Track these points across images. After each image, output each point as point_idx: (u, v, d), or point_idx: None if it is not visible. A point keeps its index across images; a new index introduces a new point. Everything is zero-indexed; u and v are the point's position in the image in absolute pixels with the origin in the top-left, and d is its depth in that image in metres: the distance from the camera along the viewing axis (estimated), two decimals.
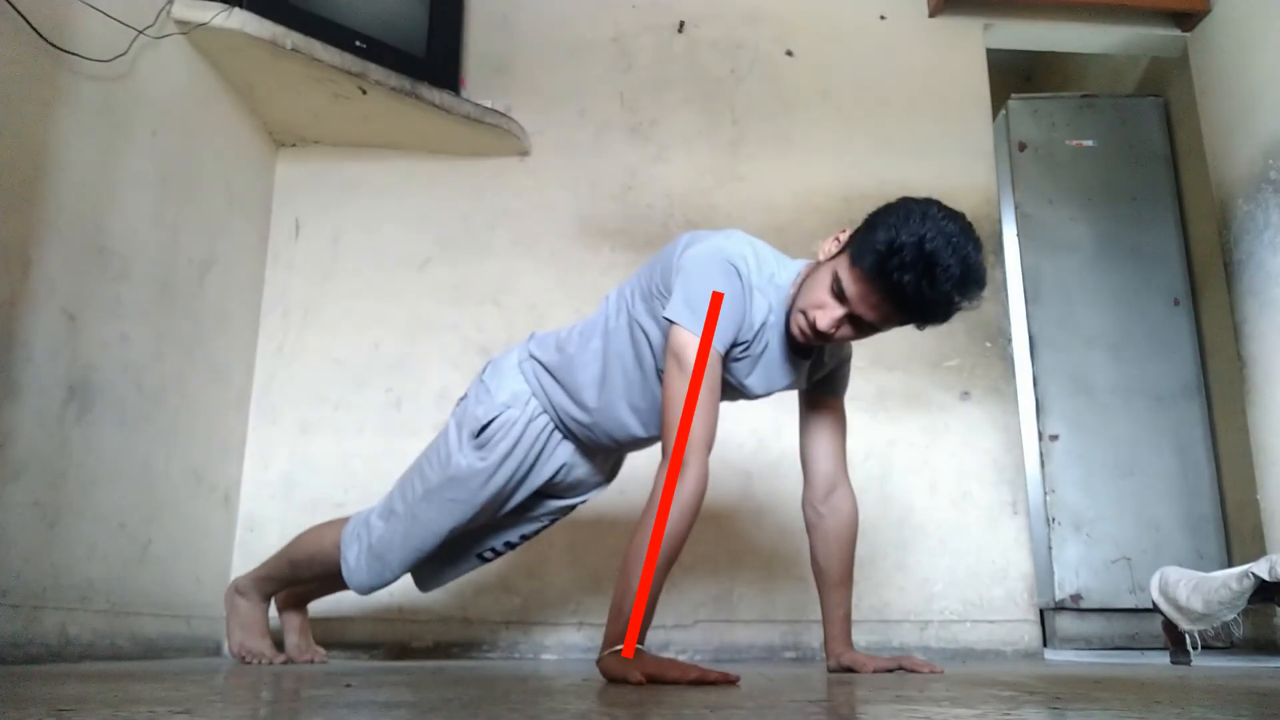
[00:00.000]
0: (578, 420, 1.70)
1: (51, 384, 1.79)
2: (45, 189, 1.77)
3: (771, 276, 1.54)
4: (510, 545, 1.91)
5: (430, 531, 1.75)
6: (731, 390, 1.61)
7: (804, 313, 1.48)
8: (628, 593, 1.36)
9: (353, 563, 1.79)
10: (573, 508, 1.91)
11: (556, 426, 1.74)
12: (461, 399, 1.81)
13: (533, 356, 1.74)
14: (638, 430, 1.68)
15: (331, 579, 1.91)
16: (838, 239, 1.51)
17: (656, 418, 1.63)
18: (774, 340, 1.57)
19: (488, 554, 1.91)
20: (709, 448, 1.45)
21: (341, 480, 2.56)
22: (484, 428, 1.70)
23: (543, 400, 1.72)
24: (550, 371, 1.71)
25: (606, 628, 1.36)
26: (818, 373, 1.70)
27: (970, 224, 1.42)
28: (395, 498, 1.80)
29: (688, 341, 1.45)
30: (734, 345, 1.53)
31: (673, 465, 1.41)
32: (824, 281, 1.46)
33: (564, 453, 1.76)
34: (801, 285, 1.53)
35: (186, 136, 2.26)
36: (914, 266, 1.34)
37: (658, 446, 1.49)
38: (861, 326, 1.47)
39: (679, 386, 1.45)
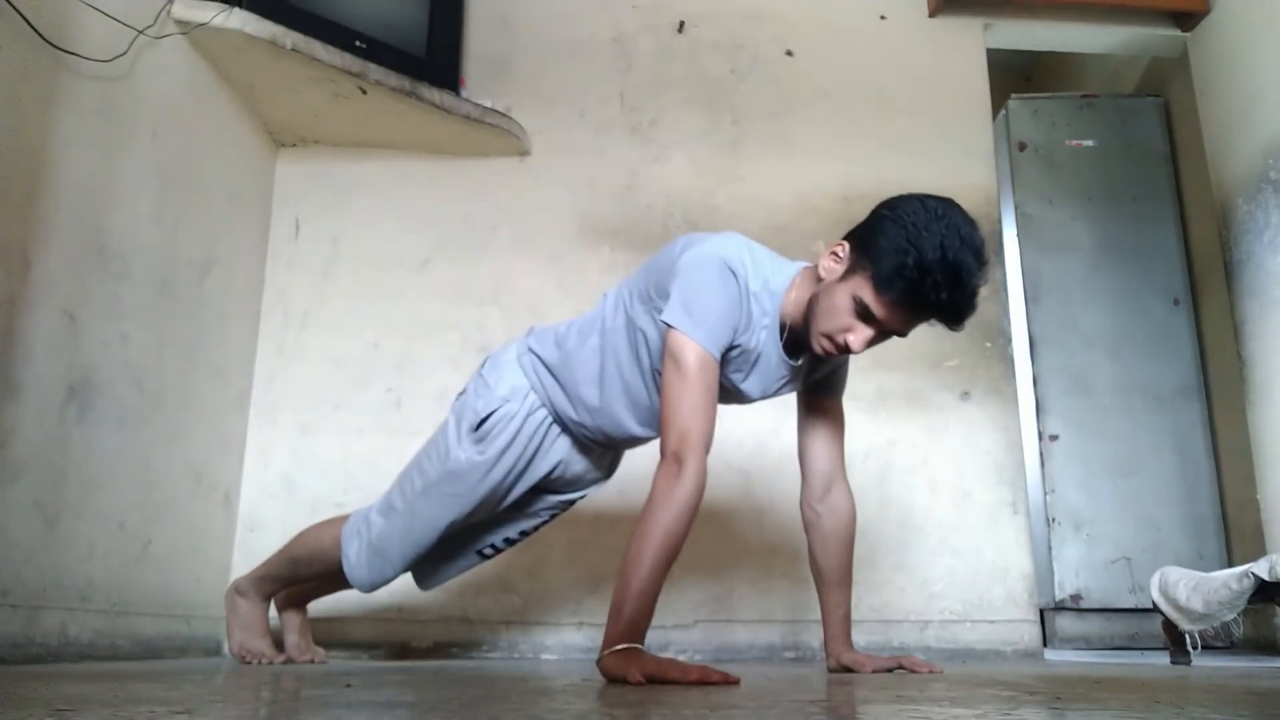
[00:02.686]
0: (576, 416, 1.71)
1: (51, 384, 1.79)
2: (45, 189, 1.77)
3: (767, 280, 1.54)
4: (509, 541, 1.92)
5: (430, 526, 1.75)
6: (728, 394, 1.61)
7: (830, 336, 1.49)
8: (627, 593, 1.36)
9: (353, 559, 1.80)
10: (571, 503, 1.91)
11: (555, 420, 1.74)
12: (460, 394, 1.82)
13: (531, 351, 1.75)
14: (635, 429, 1.69)
15: (332, 577, 1.91)
16: (835, 254, 1.51)
17: (654, 417, 1.64)
18: (769, 343, 1.57)
19: (487, 550, 1.92)
20: (707, 449, 1.45)
21: (341, 480, 2.56)
22: (483, 421, 1.71)
23: (541, 394, 1.72)
24: (549, 367, 1.72)
25: (606, 628, 1.36)
26: (816, 373, 1.70)
27: (957, 204, 1.45)
28: (394, 494, 1.80)
29: (685, 345, 1.46)
30: (730, 349, 1.53)
31: (671, 466, 1.42)
32: (843, 304, 1.46)
33: (562, 447, 1.77)
34: (813, 303, 1.52)
35: (186, 136, 2.26)
36: (946, 283, 1.37)
37: (657, 445, 1.49)
38: (885, 336, 1.50)
39: (677, 389, 1.45)
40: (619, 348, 1.64)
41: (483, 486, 1.73)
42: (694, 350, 1.46)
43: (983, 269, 1.42)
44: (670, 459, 1.42)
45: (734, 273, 1.50)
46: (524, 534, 1.92)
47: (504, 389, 1.73)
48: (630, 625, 1.34)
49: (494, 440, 1.71)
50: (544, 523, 1.92)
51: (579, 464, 1.81)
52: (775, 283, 1.55)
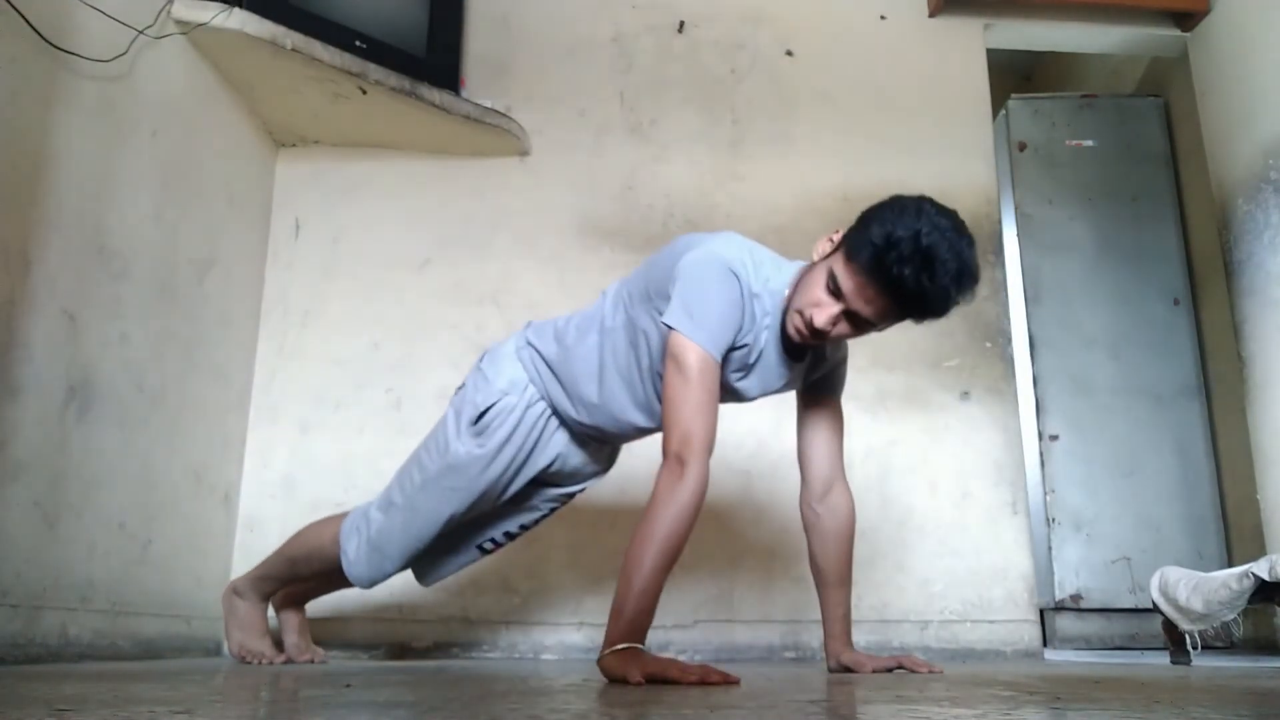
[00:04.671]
0: (574, 411, 1.71)
1: (51, 384, 1.79)
2: (45, 189, 1.77)
3: (767, 280, 1.55)
4: (510, 535, 1.92)
5: (429, 520, 1.75)
6: (727, 393, 1.61)
7: (800, 312, 1.49)
8: (629, 593, 1.36)
9: (352, 555, 1.80)
10: (571, 496, 1.91)
11: (553, 413, 1.75)
12: (459, 388, 1.82)
13: (530, 344, 1.75)
14: (639, 419, 1.69)
15: (331, 576, 1.91)
16: (831, 239, 1.52)
17: (655, 410, 1.65)
18: (770, 344, 1.58)
19: (487, 545, 1.92)
20: (709, 450, 1.46)
21: (341, 480, 2.55)
22: (482, 414, 1.71)
23: (540, 388, 1.73)
24: (548, 362, 1.72)
25: (608, 627, 1.36)
26: (815, 373, 1.71)
27: (963, 221, 1.43)
28: (394, 489, 1.80)
29: (686, 347, 1.46)
30: (731, 350, 1.54)
31: (673, 468, 1.42)
32: (819, 280, 1.48)
33: (560, 440, 1.77)
34: (797, 286, 1.53)
35: (186, 136, 2.26)
36: (912, 260, 1.36)
37: (658, 443, 1.49)
38: (859, 323, 1.48)
39: (679, 391, 1.45)
40: (619, 346, 1.64)
41: (482, 480, 1.73)
42: (695, 352, 1.46)
43: (962, 277, 1.40)
44: (672, 460, 1.43)
45: (735, 274, 1.50)
46: (524, 528, 1.92)
47: (503, 382, 1.73)
48: (631, 625, 1.34)
49: (493, 433, 1.71)
50: (544, 516, 1.92)
51: (577, 457, 1.81)
52: (776, 282, 1.55)
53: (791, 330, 1.52)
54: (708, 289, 1.48)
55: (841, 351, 1.75)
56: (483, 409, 1.72)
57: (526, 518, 1.90)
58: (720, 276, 1.49)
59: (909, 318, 1.46)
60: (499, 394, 1.72)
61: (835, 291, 1.45)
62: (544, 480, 1.83)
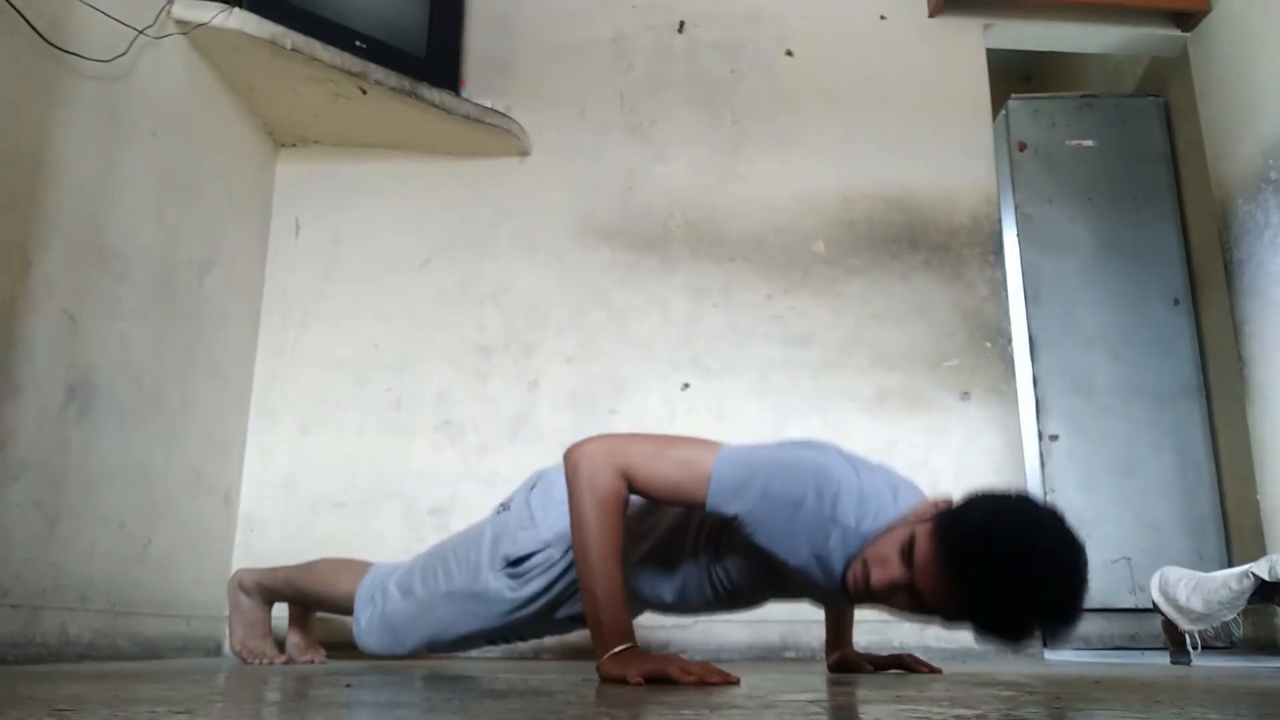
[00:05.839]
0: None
1: (51, 384, 1.79)
2: (45, 189, 1.77)
3: (860, 520, 1.33)
4: (523, 639, 1.83)
5: (446, 628, 1.69)
6: (788, 593, 1.52)
7: (865, 562, 1.30)
8: (596, 603, 1.33)
9: (364, 625, 1.76)
10: None
11: None
12: (503, 507, 1.73)
13: None
14: (667, 598, 1.60)
15: (338, 611, 1.89)
16: (937, 504, 1.31)
17: (690, 599, 1.57)
18: (818, 575, 1.37)
19: (500, 641, 1.82)
20: (623, 471, 1.35)
21: (341, 480, 2.55)
22: (522, 559, 1.63)
23: None
24: None
25: (593, 639, 1.34)
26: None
27: (1083, 551, 1.22)
28: (416, 578, 1.73)
29: (706, 452, 1.35)
30: (770, 553, 1.37)
31: (569, 462, 1.37)
32: (897, 537, 1.28)
33: None
34: (879, 536, 1.33)
35: (186, 136, 2.26)
36: (1001, 569, 1.15)
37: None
38: (917, 602, 1.27)
39: (655, 439, 1.41)
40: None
41: (508, 619, 1.66)
42: (704, 457, 1.34)
43: (1056, 610, 1.18)
44: (574, 457, 1.37)
45: (820, 492, 1.32)
46: (538, 636, 1.82)
47: (550, 533, 1.62)
48: (613, 629, 1.31)
49: (530, 581, 1.63)
50: (573, 629, 1.79)
51: None
52: (867, 526, 1.33)
53: (850, 578, 1.32)
54: (773, 477, 1.32)
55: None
56: (523, 555, 1.63)
57: (547, 630, 1.78)
58: (799, 481, 1.32)
59: (973, 625, 1.23)
60: (543, 544, 1.62)
61: (907, 557, 1.25)
62: (575, 616, 1.71)
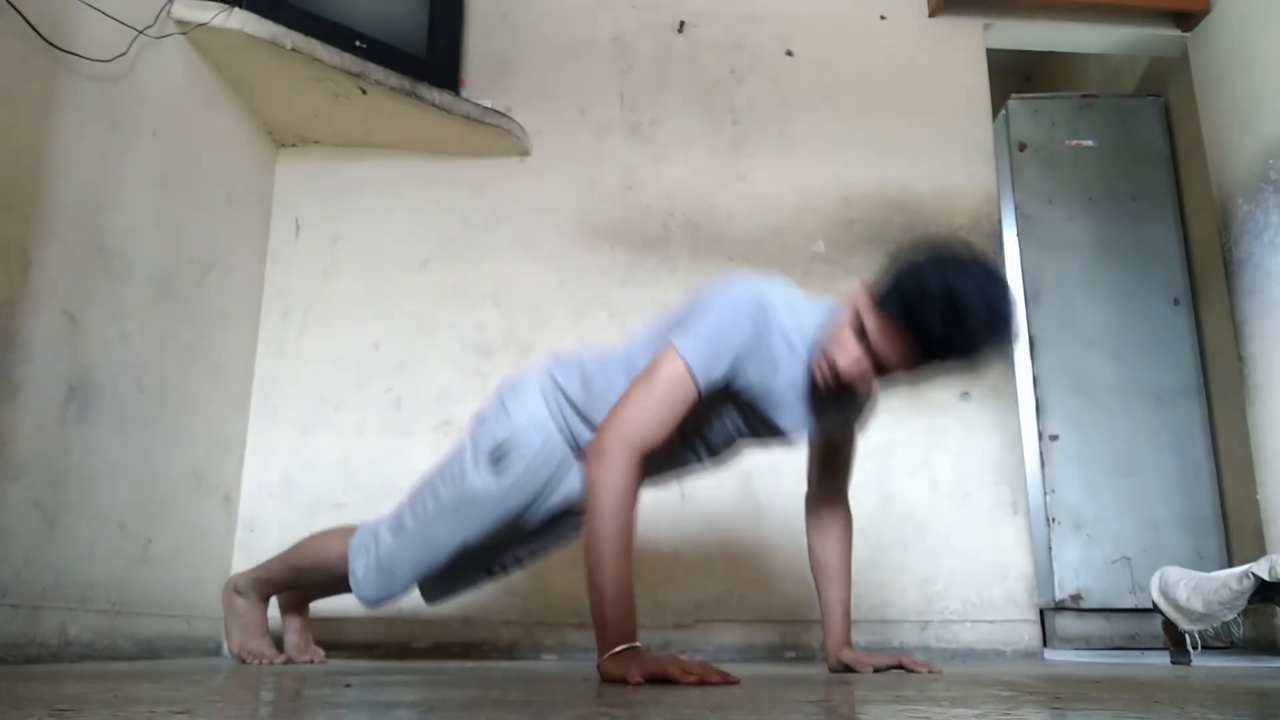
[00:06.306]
0: None
1: (51, 384, 1.79)
2: (45, 189, 1.77)
3: (802, 324, 1.51)
4: (518, 561, 1.89)
5: (441, 548, 1.73)
6: (758, 429, 1.60)
7: (825, 353, 1.46)
8: (603, 600, 1.34)
9: (360, 575, 1.78)
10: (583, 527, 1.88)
11: (572, 451, 1.71)
12: (478, 419, 1.78)
13: (555, 382, 1.71)
14: (653, 469, 1.63)
15: (335, 584, 1.91)
16: (863, 282, 1.47)
17: (675, 460, 1.63)
18: (794, 386, 1.53)
19: (495, 569, 1.89)
20: (635, 449, 1.42)
21: (341, 480, 2.56)
22: (501, 448, 1.69)
23: (561, 426, 1.69)
24: (573, 402, 1.68)
25: (596, 637, 1.35)
26: (851, 412, 1.69)
27: (999, 270, 1.40)
28: (406, 513, 1.77)
29: (669, 356, 1.44)
30: (746, 385, 1.50)
31: (595, 460, 1.40)
32: (844, 320, 1.45)
33: (576, 478, 1.72)
34: (828, 328, 1.50)
35: (186, 136, 2.26)
36: (938, 306, 1.31)
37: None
38: (881, 368, 1.44)
39: (638, 392, 1.44)
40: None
41: (498, 512, 1.70)
42: (674, 366, 1.43)
43: (992, 324, 1.33)
44: (594, 453, 1.41)
45: (760, 305, 1.46)
46: (533, 553, 1.88)
47: (524, 417, 1.70)
48: (617, 628, 1.33)
49: (511, 467, 1.68)
50: (554, 544, 1.88)
51: None
52: (811, 326, 1.51)
53: (815, 371, 1.48)
54: (718, 312, 1.46)
55: (872, 390, 1.69)
56: (502, 442, 1.69)
57: (537, 544, 1.87)
58: (737, 307, 1.46)
59: (933, 363, 1.41)
60: (520, 430, 1.69)
61: (861, 333, 1.41)
62: (558, 514, 1.78)
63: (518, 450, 1.69)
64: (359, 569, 1.78)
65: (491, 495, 1.69)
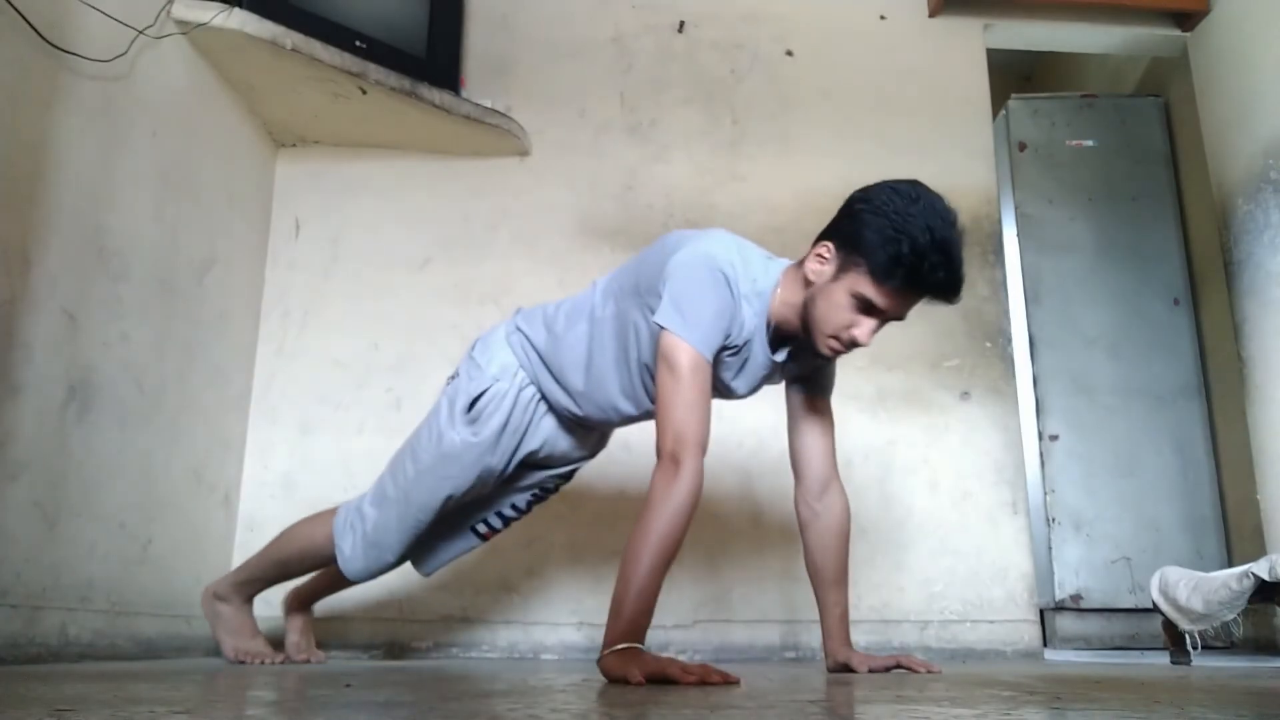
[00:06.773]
0: (561, 398, 1.74)
1: (51, 384, 1.79)
2: (45, 189, 1.77)
3: (755, 281, 1.56)
4: (503, 518, 1.94)
5: (425, 508, 1.77)
6: (718, 392, 1.63)
7: (836, 336, 1.52)
8: (627, 593, 1.36)
9: (348, 552, 1.81)
10: (561, 479, 1.93)
11: (541, 398, 1.77)
12: (451, 378, 1.83)
13: (520, 330, 1.78)
14: (626, 408, 1.71)
15: (331, 576, 1.91)
16: (822, 256, 1.53)
17: (641, 399, 1.68)
18: (757, 343, 1.59)
19: (481, 528, 1.94)
20: (703, 449, 1.47)
21: (341, 480, 2.55)
22: (475, 401, 1.73)
23: (530, 373, 1.75)
24: (537, 348, 1.74)
25: (607, 627, 1.36)
26: (802, 369, 1.71)
27: (922, 182, 1.50)
28: (386, 482, 1.81)
29: (678, 347, 1.47)
30: (723, 350, 1.55)
31: (668, 467, 1.43)
32: (843, 302, 1.49)
33: (548, 425, 1.80)
34: (809, 309, 1.54)
35: (186, 136, 2.26)
36: (942, 262, 1.42)
37: (645, 428, 1.50)
38: (885, 321, 1.53)
39: (671, 390, 1.46)
40: (606, 336, 1.66)
41: (478, 466, 1.75)
42: (687, 352, 1.47)
43: (962, 237, 1.47)
44: (667, 460, 1.43)
45: (726, 276, 1.51)
46: (516, 509, 1.93)
47: (494, 368, 1.75)
48: (630, 625, 1.34)
49: (487, 420, 1.73)
50: (535, 499, 1.94)
51: (565, 441, 1.83)
52: (762, 283, 1.57)
53: (826, 351, 1.54)
54: (699, 289, 1.50)
55: None
56: (476, 395, 1.73)
57: (519, 498, 1.92)
58: (711, 278, 1.50)
59: (928, 298, 1.50)
60: (491, 380, 1.74)
61: (867, 309, 1.48)
62: (533, 463, 1.85)
63: (491, 401, 1.74)
64: (346, 547, 1.81)
65: (470, 448, 1.73)
